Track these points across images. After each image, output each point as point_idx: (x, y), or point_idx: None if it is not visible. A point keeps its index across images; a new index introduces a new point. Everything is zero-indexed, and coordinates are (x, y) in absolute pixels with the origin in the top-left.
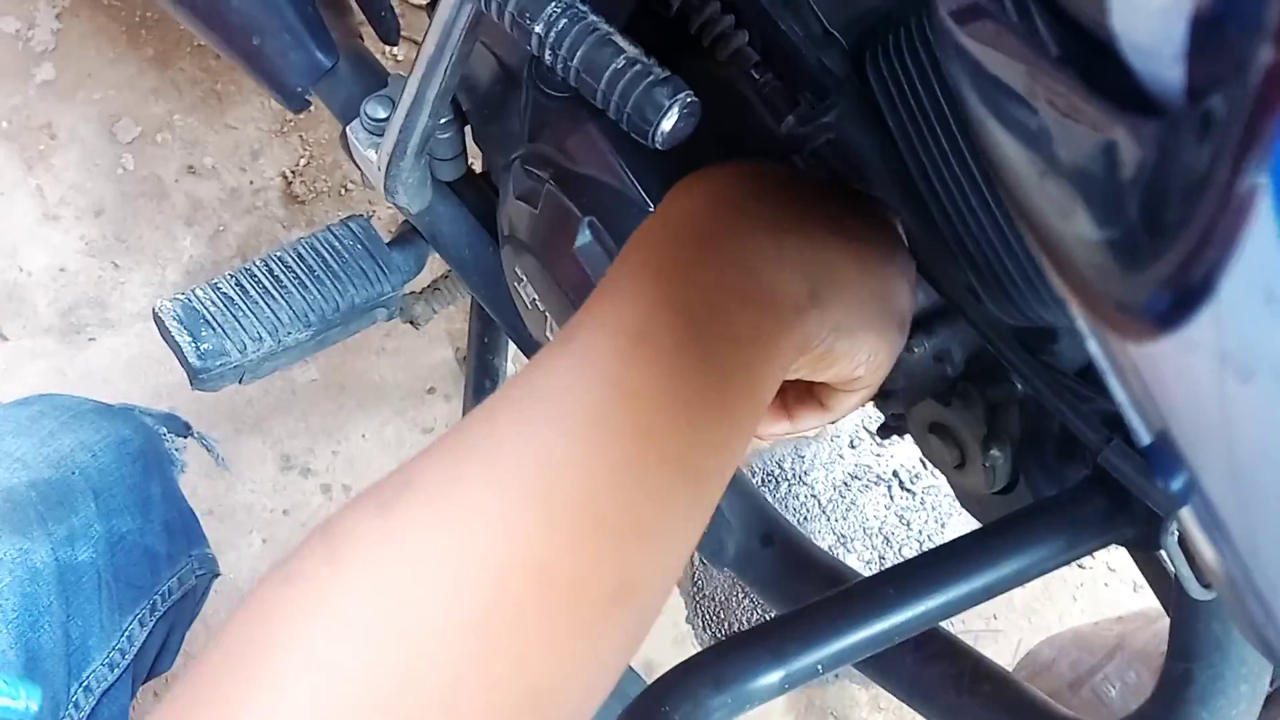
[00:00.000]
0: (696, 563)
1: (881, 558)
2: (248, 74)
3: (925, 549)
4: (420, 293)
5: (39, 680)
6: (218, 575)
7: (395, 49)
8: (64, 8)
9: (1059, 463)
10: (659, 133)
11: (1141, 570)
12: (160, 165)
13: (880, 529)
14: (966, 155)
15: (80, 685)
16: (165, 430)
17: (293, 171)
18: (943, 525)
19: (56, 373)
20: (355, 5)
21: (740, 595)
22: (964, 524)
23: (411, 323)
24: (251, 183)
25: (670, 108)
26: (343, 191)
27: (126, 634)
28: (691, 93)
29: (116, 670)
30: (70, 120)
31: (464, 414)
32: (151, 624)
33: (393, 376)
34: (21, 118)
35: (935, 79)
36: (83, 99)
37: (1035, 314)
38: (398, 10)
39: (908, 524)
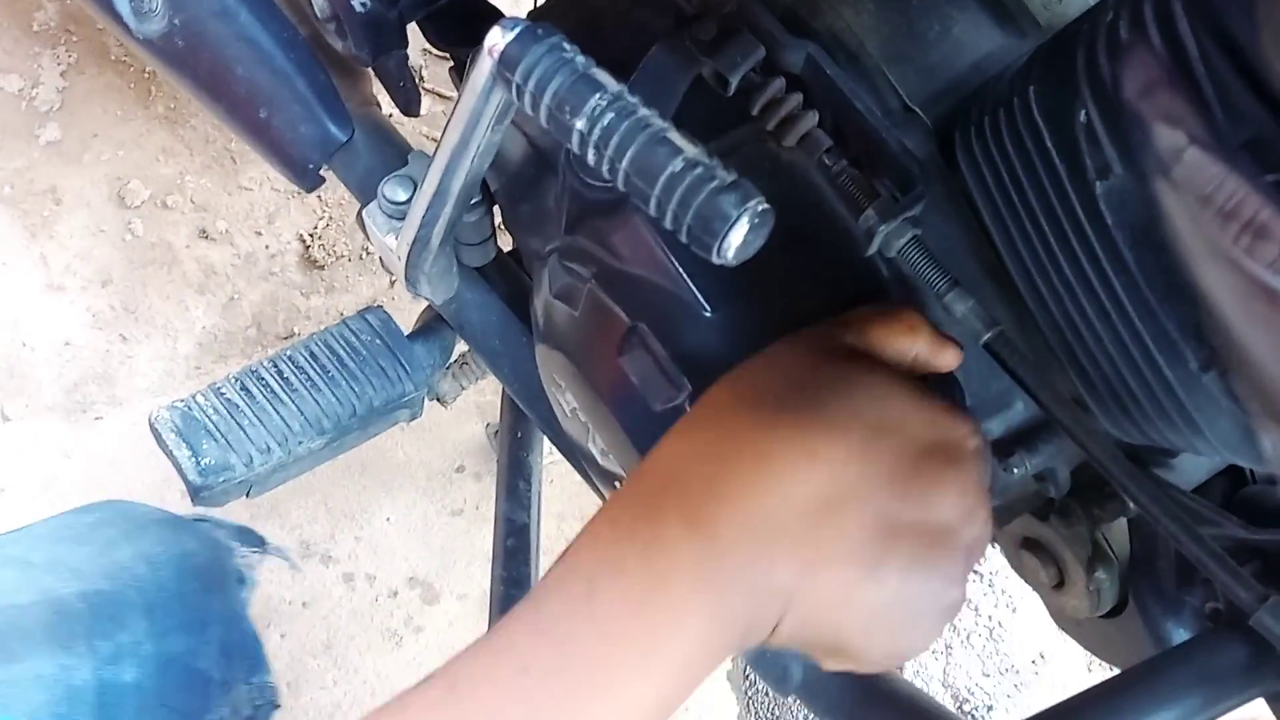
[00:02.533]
0: None
1: (948, 646)
2: (255, 149)
3: (995, 635)
4: (447, 368)
5: None
6: (278, 707)
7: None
8: (70, 64)
9: (1176, 588)
10: (726, 247)
11: None
12: (170, 230)
13: None
14: (1083, 257)
15: None
16: (237, 545)
17: (311, 235)
18: (1014, 610)
19: (61, 455)
20: (372, 73)
21: None
22: (1039, 609)
23: (439, 400)
24: (267, 247)
25: (739, 218)
26: (364, 255)
27: None
28: (763, 199)
29: None
30: (76, 184)
31: (496, 515)
32: None
33: (418, 454)
34: (25, 181)
35: (1044, 167)
36: (89, 160)
37: (1160, 434)
38: (420, 66)
39: (976, 609)
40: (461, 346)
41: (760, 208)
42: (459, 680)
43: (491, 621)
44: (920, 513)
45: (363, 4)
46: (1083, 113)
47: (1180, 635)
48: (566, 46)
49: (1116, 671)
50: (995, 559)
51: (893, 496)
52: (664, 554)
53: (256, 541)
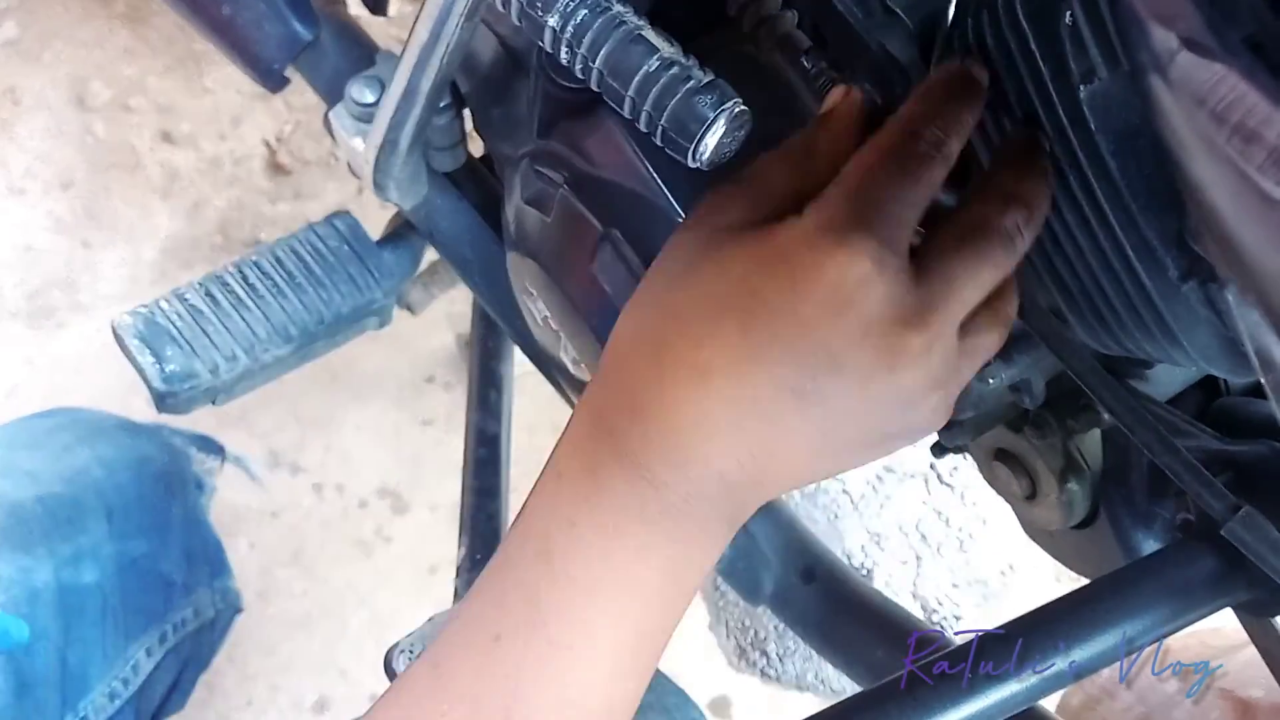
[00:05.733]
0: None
1: (918, 557)
2: (219, 49)
3: (965, 547)
4: (417, 276)
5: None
6: (240, 610)
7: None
8: None
9: (1147, 500)
10: (702, 150)
11: (1251, 636)
12: (133, 133)
13: (917, 526)
14: (1065, 163)
15: (76, 715)
16: (196, 451)
17: (277, 139)
18: (985, 521)
19: (24, 361)
20: None
21: None
22: (1009, 520)
23: (408, 308)
24: (232, 151)
25: (715, 120)
26: (332, 161)
27: (131, 663)
28: (740, 101)
29: (117, 701)
30: (35, 84)
31: (467, 425)
32: (160, 655)
33: (388, 364)
34: None
35: (1027, 70)
36: (49, 60)
37: (1137, 345)
38: None
39: (946, 520)
40: (431, 254)
41: (737, 109)
42: (439, 660)
43: (461, 531)
44: (826, 360)
45: None
46: (1068, 14)
47: (1150, 547)
48: None
49: (1085, 582)
50: (966, 471)
51: (791, 359)
52: (610, 501)
53: (215, 449)
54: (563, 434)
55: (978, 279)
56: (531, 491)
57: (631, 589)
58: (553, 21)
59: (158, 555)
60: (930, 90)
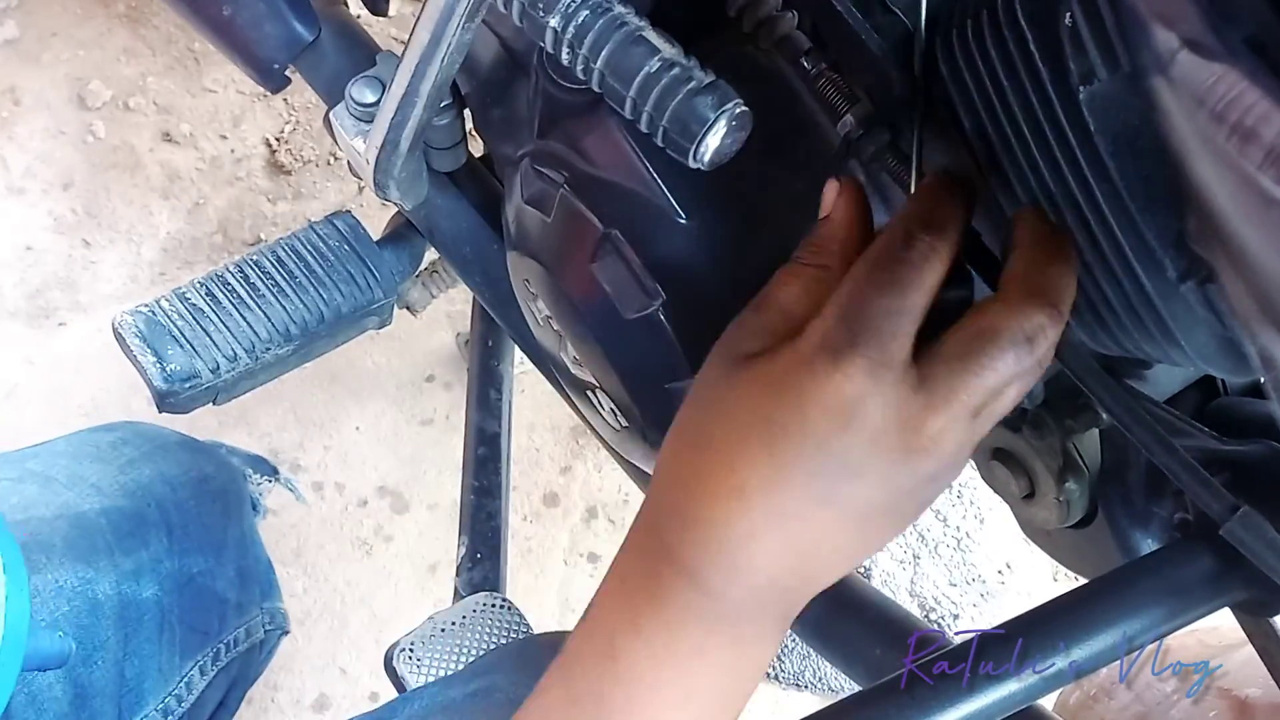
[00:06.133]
0: None
1: (916, 556)
2: (219, 48)
3: (963, 547)
4: (417, 276)
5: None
6: (287, 633)
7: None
8: None
9: (1145, 500)
10: (703, 150)
11: (1249, 635)
12: (133, 133)
13: (914, 525)
14: (1064, 164)
15: None
16: (251, 472)
17: (277, 139)
18: (982, 521)
19: (24, 361)
20: None
21: None
22: (1006, 520)
23: (409, 308)
24: (232, 151)
25: (716, 121)
26: (332, 160)
27: (185, 680)
28: (741, 102)
29: (171, 717)
30: (35, 84)
31: (466, 424)
32: (213, 674)
33: (388, 363)
34: None
35: (1026, 71)
36: (49, 60)
37: (1136, 346)
38: None
39: (944, 520)
40: (431, 254)
41: (738, 110)
42: None
43: (461, 530)
44: (845, 469)
45: None
46: (1068, 15)
47: (1148, 546)
48: None
49: (1083, 581)
50: (964, 470)
51: (814, 474)
52: (670, 605)
53: (270, 470)
54: (624, 543)
55: (984, 385)
56: (595, 596)
57: (693, 686)
58: (554, 22)
59: (214, 574)
60: (919, 196)
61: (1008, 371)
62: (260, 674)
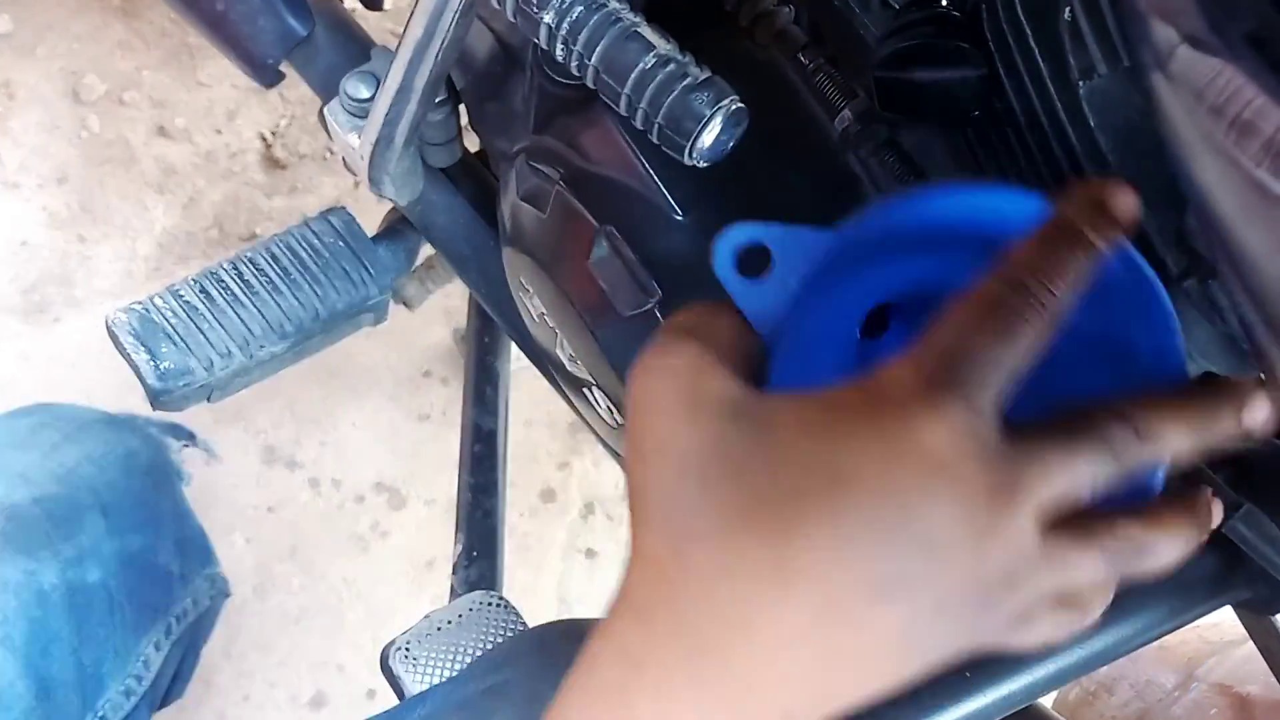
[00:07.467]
0: None
1: None
2: (213, 43)
3: None
4: (414, 271)
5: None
6: (228, 596)
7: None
8: None
9: None
10: (698, 147)
11: (1250, 633)
12: (128, 127)
13: None
14: (1064, 160)
15: (95, 715)
16: (171, 440)
17: (272, 133)
18: None
19: (20, 357)
20: None
21: None
22: None
23: (404, 304)
24: (228, 146)
25: (712, 118)
26: (327, 155)
27: (142, 658)
28: (736, 98)
29: (133, 697)
30: (30, 78)
31: (463, 421)
32: (167, 647)
33: (385, 359)
34: None
35: (1026, 66)
36: (43, 54)
37: None
38: None
39: None
40: (427, 249)
41: (734, 107)
42: None
43: (457, 527)
44: (921, 550)
45: None
46: (1067, 10)
47: None
48: None
49: None
50: None
51: (884, 554)
52: None
53: (186, 435)
54: (598, 629)
55: (1072, 472)
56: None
57: None
58: (548, 18)
59: (155, 548)
60: (1042, 234)
61: (1095, 469)
62: (207, 639)
